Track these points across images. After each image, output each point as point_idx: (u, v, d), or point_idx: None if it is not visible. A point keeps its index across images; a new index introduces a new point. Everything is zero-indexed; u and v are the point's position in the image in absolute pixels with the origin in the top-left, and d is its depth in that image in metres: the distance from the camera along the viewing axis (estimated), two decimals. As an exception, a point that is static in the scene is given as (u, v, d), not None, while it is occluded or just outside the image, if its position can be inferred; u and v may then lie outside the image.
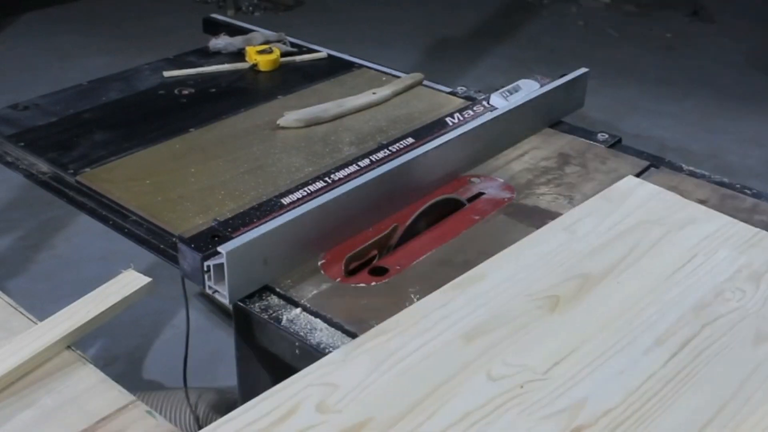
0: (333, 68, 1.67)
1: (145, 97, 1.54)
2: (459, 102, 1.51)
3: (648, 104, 3.74)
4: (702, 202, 1.19)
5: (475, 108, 1.42)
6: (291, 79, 1.62)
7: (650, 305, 0.94)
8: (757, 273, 1.00)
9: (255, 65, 1.64)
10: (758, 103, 3.77)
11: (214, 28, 1.82)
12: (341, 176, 1.21)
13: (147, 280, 1.00)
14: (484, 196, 1.24)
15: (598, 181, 1.27)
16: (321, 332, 0.97)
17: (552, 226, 1.09)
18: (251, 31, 1.76)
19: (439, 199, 1.20)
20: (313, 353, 0.94)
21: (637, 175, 1.26)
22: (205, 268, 1.01)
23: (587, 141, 1.40)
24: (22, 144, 1.35)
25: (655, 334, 0.89)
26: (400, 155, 1.22)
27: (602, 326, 0.90)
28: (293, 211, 1.06)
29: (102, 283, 0.99)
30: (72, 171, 1.27)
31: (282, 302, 1.02)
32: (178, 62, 1.67)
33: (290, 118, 1.42)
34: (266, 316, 1.00)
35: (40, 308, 1.02)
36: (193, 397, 1.76)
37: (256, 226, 1.04)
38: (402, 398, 0.80)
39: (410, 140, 1.32)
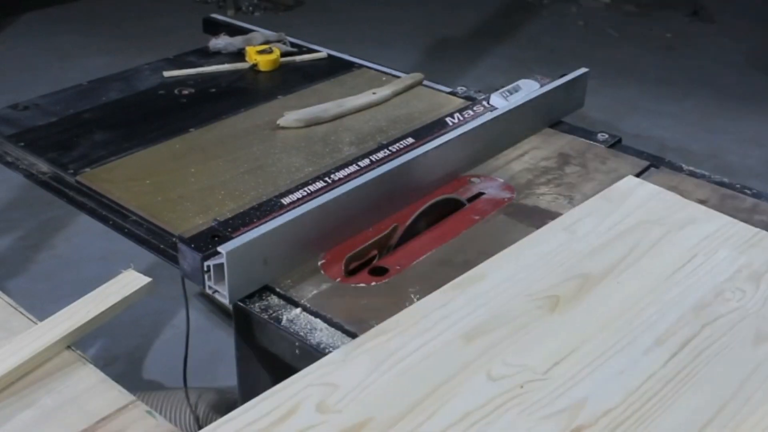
0: (333, 68, 1.67)
1: (145, 97, 1.54)
2: (459, 102, 1.51)
3: (648, 104, 3.74)
4: (702, 202, 1.19)
5: (475, 108, 1.42)
6: (291, 79, 1.62)
7: (650, 305, 0.94)
8: (757, 273, 1.00)
9: (255, 65, 1.64)
10: (758, 103, 3.77)
11: (214, 28, 1.82)
12: (341, 176, 1.21)
13: (147, 280, 1.00)
14: (484, 196, 1.24)
15: (598, 181, 1.27)
16: (321, 332, 0.97)
17: (552, 226, 1.09)
18: (251, 31, 1.76)
19: (439, 199, 1.20)
20: (313, 353, 0.94)
21: (637, 175, 1.26)
22: (205, 268, 1.01)
23: (587, 141, 1.40)
24: (22, 144, 1.35)
25: (655, 334, 0.89)
26: (400, 155, 1.22)
27: (602, 326, 0.90)
28: (293, 211, 1.06)
29: (102, 283, 0.99)
30: (72, 171, 1.27)
31: (282, 302, 1.02)
32: (178, 62, 1.67)
33: (290, 118, 1.42)
34: (266, 316, 1.00)
35: (40, 308, 1.02)
36: (193, 397, 1.76)
37: (256, 226, 1.04)
38: (402, 398, 0.80)
39: (410, 140, 1.32)
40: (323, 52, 1.72)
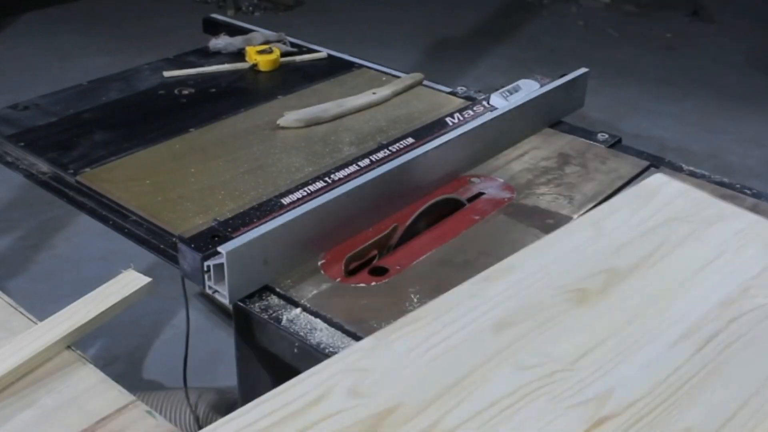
0: (333, 68, 1.67)
1: (145, 97, 1.54)
2: (459, 102, 1.51)
3: (648, 104, 3.74)
4: (702, 202, 1.19)
5: (475, 108, 1.42)
6: (291, 79, 1.62)
7: (677, 300, 0.94)
8: (786, 270, 1.00)
9: (255, 65, 1.64)
10: (758, 103, 3.77)
11: (214, 28, 1.82)
12: (341, 176, 1.21)
13: (147, 280, 1.00)
14: (484, 196, 1.24)
15: (598, 181, 1.28)
16: (321, 332, 0.97)
17: (580, 221, 1.10)
18: (251, 31, 1.76)
19: (439, 199, 1.20)
20: (313, 353, 0.94)
21: (637, 176, 1.26)
22: (205, 268, 1.01)
23: (587, 141, 1.40)
24: (22, 144, 1.35)
25: (682, 328, 0.90)
26: (400, 155, 1.22)
27: (629, 320, 0.91)
28: (293, 211, 1.06)
29: (102, 283, 0.99)
30: (72, 171, 1.27)
31: (282, 302, 1.02)
32: (178, 62, 1.67)
33: (290, 118, 1.42)
34: (266, 316, 1.00)
35: (40, 308, 1.02)
36: (193, 397, 1.76)
37: (256, 226, 1.04)
38: (432, 385, 0.81)
39: (410, 140, 1.32)
40: (323, 52, 1.72)
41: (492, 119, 1.32)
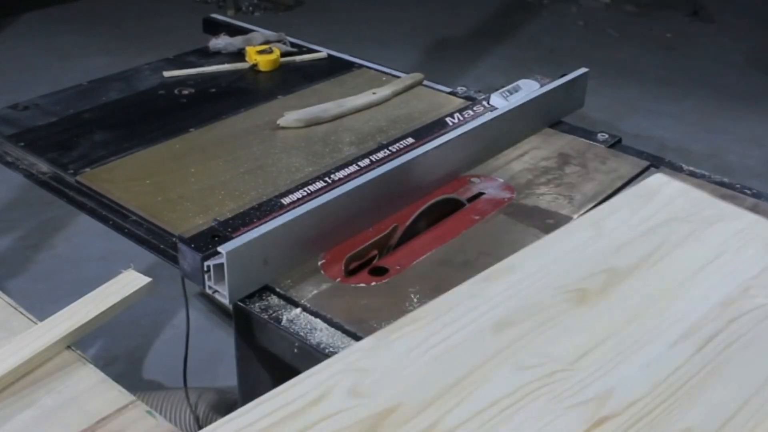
0: (333, 68, 1.67)
1: (145, 97, 1.54)
2: (459, 102, 1.51)
3: (648, 104, 3.74)
4: (702, 202, 1.19)
5: (475, 108, 1.42)
6: (291, 79, 1.62)
7: (677, 300, 0.94)
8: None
9: (255, 65, 1.64)
10: (758, 103, 3.77)
11: (214, 28, 1.82)
12: (341, 176, 1.21)
13: (147, 280, 1.00)
14: (484, 196, 1.24)
15: (598, 181, 1.28)
16: (321, 332, 0.97)
17: (580, 221, 1.10)
18: (251, 31, 1.76)
19: (439, 199, 1.20)
20: (313, 353, 0.94)
21: (637, 176, 1.26)
22: (205, 268, 1.01)
23: (587, 141, 1.40)
24: (22, 144, 1.35)
25: (682, 328, 0.90)
26: (400, 155, 1.22)
27: (629, 320, 0.91)
28: (293, 211, 1.06)
29: (102, 283, 0.99)
30: (72, 171, 1.27)
31: (282, 302, 1.02)
32: (178, 62, 1.67)
33: (290, 118, 1.42)
34: (266, 316, 1.00)
35: (40, 308, 1.02)
36: (193, 397, 1.76)
37: (256, 226, 1.04)
38: (432, 384, 0.81)
39: (410, 140, 1.32)
40: (323, 52, 1.72)
41: (492, 119, 1.32)
